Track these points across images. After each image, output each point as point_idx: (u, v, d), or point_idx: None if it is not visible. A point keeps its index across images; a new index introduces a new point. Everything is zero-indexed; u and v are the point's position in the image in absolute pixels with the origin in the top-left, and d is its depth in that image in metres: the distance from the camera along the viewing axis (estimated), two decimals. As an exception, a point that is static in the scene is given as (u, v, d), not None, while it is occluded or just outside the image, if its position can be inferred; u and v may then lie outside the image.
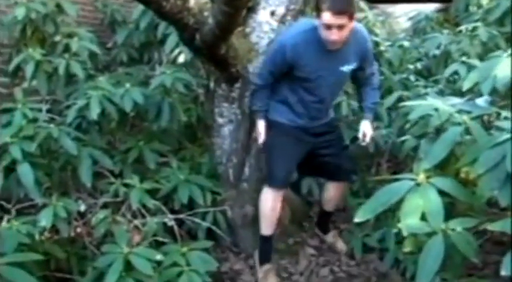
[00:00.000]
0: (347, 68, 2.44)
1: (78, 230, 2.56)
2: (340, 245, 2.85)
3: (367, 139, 2.59)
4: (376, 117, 3.40)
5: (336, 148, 2.65)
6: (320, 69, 2.38)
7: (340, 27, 2.20)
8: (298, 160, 2.58)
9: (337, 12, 2.16)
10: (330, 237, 2.91)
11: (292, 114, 2.52)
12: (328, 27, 2.20)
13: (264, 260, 2.60)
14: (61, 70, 2.95)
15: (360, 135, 2.60)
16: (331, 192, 2.78)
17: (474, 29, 3.59)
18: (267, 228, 2.58)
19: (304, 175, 3.04)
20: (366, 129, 2.60)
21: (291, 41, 2.34)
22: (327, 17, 2.18)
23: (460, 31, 3.77)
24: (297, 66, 2.37)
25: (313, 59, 2.35)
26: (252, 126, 2.74)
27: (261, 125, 2.55)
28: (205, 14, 2.27)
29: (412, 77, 3.77)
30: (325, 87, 2.46)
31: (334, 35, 2.21)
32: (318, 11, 2.24)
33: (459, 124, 1.74)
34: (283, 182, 2.54)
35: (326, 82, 2.43)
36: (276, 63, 2.42)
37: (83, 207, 2.43)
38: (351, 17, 2.21)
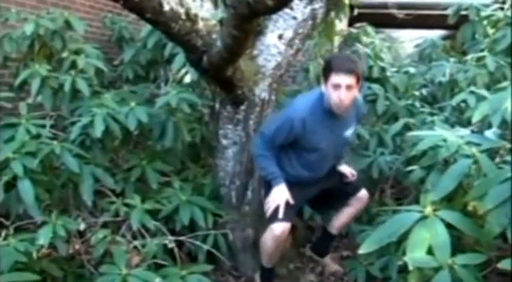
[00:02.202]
0: (349, 133, 2.50)
1: (77, 247, 2.52)
2: (336, 268, 2.82)
3: (354, 173, 2.67)
4: (381, 144, 3.40)
5: (335, 177, 2.64)
6: (325, 138, 2.40)
7: (349, 87, 2.25)
8: (303, 203, 2.57)
9: (347, 71, 2.23)
10: (326, 259, 2.87)
11: (295, 172, 2.48)
12: (337, 87, 2.24)
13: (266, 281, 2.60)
14: (67, 87, 2.95)
15: (349, 174, 2.65)
16: (347, 211, 2.69)
17: (481, 58, 3.59)
18: (268, 262, 2.54)
19: (320, 211, 2.95)
20: (347, 169, 2.68)
21: (299, 116, 2.33)
22: (336, 76, 2.23)
23: (466, 60, 3.78)
24: (302, 138, 2.37)
25: (319, 129, 2.36)
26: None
27: (283, 189, 2.40)
28: (214, 36, 2.27)
29: (417, 103, 3.77)
30: (328, 153, 2.48)
31: (342, 95, 2.24)
32: (325, 73, 2.30)
33: (468, 156, 1.72)
34: (286, 220, 2.41)
35: (329, 149, 2.46)
36: (281, 136, 2.38)
37: (82, 226, 2.40)
38: (358, 79, 2.28)
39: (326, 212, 2.86)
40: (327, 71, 2.29)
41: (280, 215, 2.35)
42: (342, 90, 2.24)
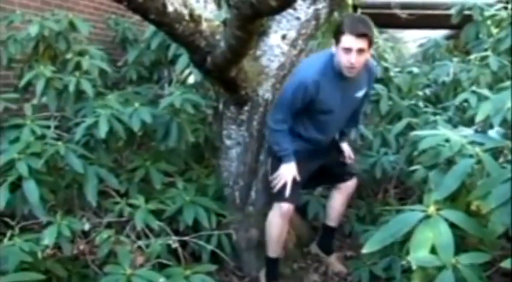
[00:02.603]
0: (361, 94, 2.50)
1: (81, 247, 2.53)
2: (340, 267, 2.83)
3: (352, 156, 2.74)
4: (384, 144, 3.40)
5: (336, 153, 2.70)
6: (337, 100, 2.40)
7: (360, 51, 2.21)
8: (307, 179, 2.58)
9: (359, 35, 2.18)
10: (331, 258, 2.88)
11: (304, 142, 2.53)
12: (348, 50, 2.21)
13: (271, 279, 2.61)
14: (71, 88, 2.97)
15: (346, 155, 2.71)
16: (338, 199, 2.76)
17: (484, 58, 3.59)
18: (273, 250, 2.57)
19: (309, 188, 3.02)
20: (348, 149, 2.73)
21: (311, 78, 2.32)
22: (347, 39, 2.19)
23: (470, 60, 3.77)
24: (316, 101, 2.37)
25: (331, 90, 2.36)
26: (260, 149, 2.73)
27: (292, 167, 2.45)
28: (217, 37, 2.28)
29: (420, 103, 3.77)
30: (341, 115, 2.51)
31: (353, 59, 2.21)
32: (337, 35, 2.26)
33: (471, 156, 1.72)
34: (291, 200, 2.49)
35: (342, 111, 2.48)
36: (295, 103, 2.38)
37: (87, 226, 2.41)
38: (370, 43, 2.24)
39: (316, 186, 2.99)
40: (338, 32, 2.23)
41: (287, 193, 2.40)
42: (352, 54, 2.20)
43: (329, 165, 2.68)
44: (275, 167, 2.50)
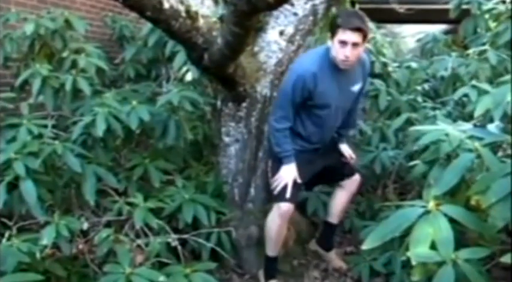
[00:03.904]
0: (356, 88, 2.51)
1: (80, 246, 2.52)
2: (340, 264, 2.83)
3: (352, 156, 2.72)
4: (383, 139, 3.39)
5: (337, 154, 2.69)
6: (334, 93, 2.41)
7: (355, 45, 2.25)
8: (307, 179, 2.57)
9: (354, 29, 2.23)
10: (331, 255, 2.87)
11: (304, 141, 2.52)
12: (344, 43, 2.25)
13: (269, 276, 2.60)
14: (68, 86, 2.95)
15: (346, 155, 2.70)
16: (341, 197, 2.74)
17: (483, 52, 3.58)
18: (272, 249, 2.56)
19: (311, 188, 3.01)
20: (347, 149, 2.72)
21: (309, 71, 2.34)
22: (343, 33, 2.24)
23: (468, 54, 3.76)
24: (314, 94, 2.38)
25: (328, 84, 2.38)
26: (259, 146, 2.72)
27: (293, 169, 2.45)
28: (214, 33, 2.27)
29: (419, 98, 3.76)
30: (338, 110, 2.50)
31: (348, 52, 2.25)
32: (332, 29, 2.29)
33: (470, 151, 1.72)
34: (291, 201, 2.49)
35: (339, 104, 2.48)
36: (296, 97, 2.38)
37: (85, 226, 2.40)
38: (365, 37, 2.28)
39: (317, 185, 2.95)
40: (334, 26, 2.28)
41: (288, 194, 2.41)
42: (348, 47, 2.25)
43: (330, 166, 2.67)
44: (275, 169, 2.49)
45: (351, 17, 2.28)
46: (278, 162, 2.48)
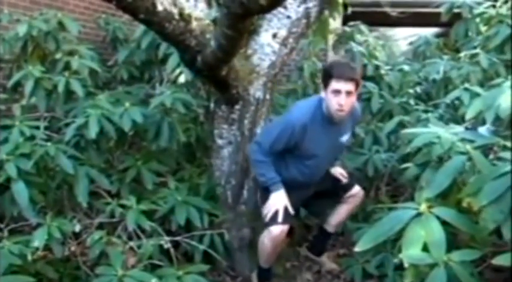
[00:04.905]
0: (345, 138, 2.53)
1: (72, 248, 2.51)
2: (333, 266, 2.83)
3: (345, 175, 2.69)
4: (376, 141, 3.41)
5: (328, 179, 2.64)
6: (322, 145, 2.41)
7: (349, 93, 2.29)
8: (299, 205, 2.57)
9: (347, 79, 2.28)
10: (323, 257, 2.87)
11: (291, 177, 2.48)
12: (338, 93, 2.28)
13: (263, 280, 2.60)
14: (60, 88, 2.94)
15: (340, 177, 2.67)
16: (343, 209, 2.71)
17: (474, 55, 3.61)
18: (265, 262, 2.54)
19: (315, 212, 2.91)
20: (339, 171, 2.70)
21: (300, 121, 2.35)
22: (336, 83, 2.28)
23: (460, 57, 3.80)
24: (301, 145, 2.38)
25: (317, 135, 2.38)
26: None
27: (282, 195, 2.40)
28: (208, 36, 2.27)
29: (411, 101, 3.79)
30: (324, 160, 2.51)
31: (342, 100, 2.28)
32: (325, 80, 2.33)
33: (462, 153, 1.73)
34: (284, 223, 2.41)
35: (326, 155, 2.49)
36: (278, 143, 2.38)
37: (78, 228, 2.39)
38: (357, 85, 2.33)
39: (321, 212, 2.85)
40: (327, 77, 2.32)
41: (280, 218, 2.37)
42: (342, 96, 2.28)
43: (324, 191, 2.64)
44: (265, 198, 2.45)
45: (344, 67, 2.35)
46: (266, 191, 2.44)
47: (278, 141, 2.38)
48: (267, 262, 2.54)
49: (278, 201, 2.39)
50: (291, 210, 2.40)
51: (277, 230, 2.37)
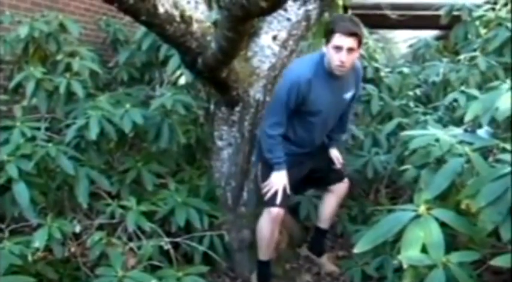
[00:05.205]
0: (349, 95, 2.52)
1: (73, 249, 2.52)
2: (332, 268, 2.84)
3: (341, 161, 2.71)
4: (375, 144, 3.42)
5: (325, 158, 2.69)
6: (326, 99, 2.42)
7: (350, 50, 2.27)
8: (297, 183, 2.58)
9: (349, 33, 2.25)
10: (323, 259, 2.88)
11: (293, 145, 2.53)
12: (339, 49, 2.26)
13: (263, 281, 2.61)
14: (61, 89, 2.95)
15: (335, 160, 2.70)
16: (329, 202, 2.76)
17: (473, 58, 3.62)
18: (264, 253, 2.56)
19: (300, 192, 3.01)
20: (336, 154, 2.72)
21: (303, 76, 2.35)
22: (338, 38, 2.25)
23: (459, 60, 3.81)
24: (307, 100, 2.38)
25: (321, 90, 2.38)
26: (252, 150, 2.73)
27: (283, 175, 2.45)
28: (208, 38, 2.28)
29: (411, 103, 3.80)
30: (329, 116, 2.52)
31: (343, 57, 2.26)
32: (327, 35, 2.31)
33: (460, 155, 1.74)
34: (281, 205, 2.49)
35: (330, 111, 2.49)
36: (290, 103, 2.38)
37: (78, 229, 2.39)
38: (360, 42, 2.30)
39: (306, 190, 2.96)
40: (329, 32, 2.29)
41: (278, 200, 2.41)
42: (343, 52, 2.26)
43: (318, 169, 2.68)
44: (266, 175, 2.49)
45: (346, 22, 2.30)
46: (268, 168, 2.48)
47: (289, 102, 2.37)
48: (266, 252, 2.55)
49: (279, 181, 2.43)
50: (288, 191, 2.44)
51: (275, 211, 2.44)
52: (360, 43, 2.30)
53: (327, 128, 2.60)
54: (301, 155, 2.56)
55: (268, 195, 2.45)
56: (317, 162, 2.65)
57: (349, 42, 2.25)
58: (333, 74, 2.36)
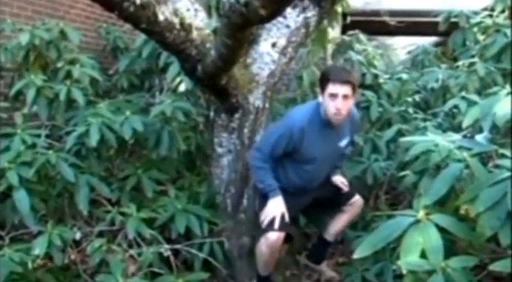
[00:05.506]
0: (344, 143, 2.53)
1: (73, 256, 2.52)
2: (332, 274, 2.82)
3: (346, 183, 2.65)
4: (375, 150, 3.42)
5: (328, 186, 2.64)
6: (321, 148, 2.43)
7: (345, 97, 2.30)
8: (297, 212, 2.58)
9: (343, 82, 2.29)
10: (323, 266, 2.86)
11: (290, 183, 2.50)
12: (334, 96, 2.29)
13: None
14: (62, 96, 2.97)
15: (340, 185, 2.64)
16: (342, 217, 2.70)
17: (472, 64, 3.64)
18: (264, 270, 2.53)
19: (314, 220, 2.93)
20: (340, 179, 2.66)
21: (297, 124, 2.37)
22: (333, 86, 2.29)
23: (457, 66, 3.83)
24: (299, 149, 2.39)
25: (316, 139, 2.39)
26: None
27: (279, 202, 2.40)
28: (208, 45, 2.29)
29: (410, 110, 3.81)
30: (323, 164, 2.51)
31: (339, 104, 2.29)
32: (322, 84, 2.35)
33: (459, 161, 1.75)
34: (280, 229, 2.41)
35: (325, 159, 2.49)
36: (277, 148, 2.40)
37: (78, 236, 2.40)
38: (354, 89, 2.33)
39: (320, 221, 2.85)
40: (324, 81, 2.34)
41: (276, 225, 2.37)
42: (338, 99, 2.29)
43: (324, 198, 2.63)
44: (263, 204, 2.46)
45: (339, 70, 2.39)
46: (264, 198, 2.45)
47: (277, 145, 2.40)
48: (266, 270, 2.54)
49: (275, 208, 2.40)
50: (287, 217, 2.40)
51: (274, 236, 2.37)
52: (354, 90, 2.34)
53: (321, 176, 2.58)
54: (300, 188, 2.52)
55: (265, 222, 2.39)
56: (319, 193, 2.61)
57: (344, 89, 2.29)
58: (328, 122, 2.38)
